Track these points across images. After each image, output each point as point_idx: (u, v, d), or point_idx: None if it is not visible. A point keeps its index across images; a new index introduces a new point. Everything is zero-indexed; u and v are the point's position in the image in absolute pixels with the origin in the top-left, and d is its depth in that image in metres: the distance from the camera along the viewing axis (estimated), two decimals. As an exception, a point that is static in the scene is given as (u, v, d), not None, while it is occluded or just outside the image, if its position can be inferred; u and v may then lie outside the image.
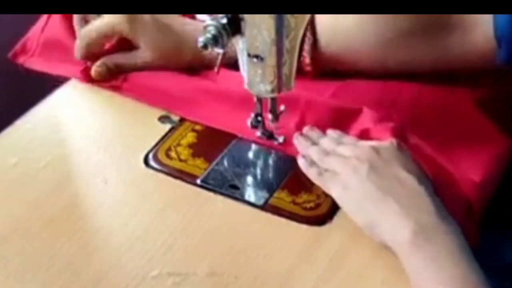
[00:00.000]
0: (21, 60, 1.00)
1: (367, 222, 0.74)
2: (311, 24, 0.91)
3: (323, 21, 0.92)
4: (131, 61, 0.95)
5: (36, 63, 0.99)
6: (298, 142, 0.85)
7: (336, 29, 0.92)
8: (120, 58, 0.95)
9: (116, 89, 0.95)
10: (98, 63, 0.94)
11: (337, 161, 0.79)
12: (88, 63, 0.96)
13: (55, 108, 0.95)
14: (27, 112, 0.93)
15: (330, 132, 0.85)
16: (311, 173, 0.81)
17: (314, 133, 0.85)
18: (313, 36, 0.92)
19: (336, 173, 0.78)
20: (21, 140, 0.89)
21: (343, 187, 0.77)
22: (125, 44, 0.96)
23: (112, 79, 0.95)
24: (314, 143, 0.84)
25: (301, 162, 0.82)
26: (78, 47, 0.96)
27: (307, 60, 0.92)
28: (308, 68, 0.93)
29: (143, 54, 0.94)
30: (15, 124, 0.91)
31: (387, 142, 0.79)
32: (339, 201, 0.77)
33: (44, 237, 0.77)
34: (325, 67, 0.94)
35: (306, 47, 0.91)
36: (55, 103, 0.95)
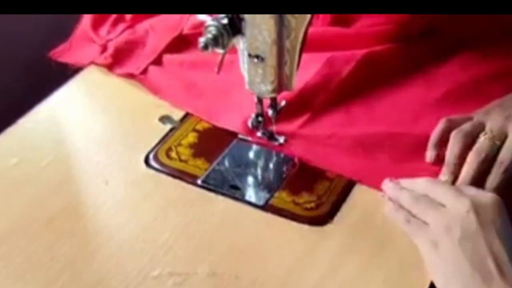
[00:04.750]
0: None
1: None
2: None
3: None
4: None
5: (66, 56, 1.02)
6: (387, 187, 0.79)
7: None
8: None
9: (130, 77, 0.97)
10: None
11: (427, 209, 0.73)
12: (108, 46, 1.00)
13: (56, 108, 0.95)
14: (29, 112, 0.93)
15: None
16: (398, 218, 0.75)
17: (406, 181, 0.79)
18: None
19: (425, 222, 0.73)
20: (22, 140, 0.90)
21: (431, 243, 0.71)
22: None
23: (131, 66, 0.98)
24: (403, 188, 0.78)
25: (388, 206, 0.77)
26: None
27: None
28: None
29: None
30: (16, 124, 0.91)
31: (489, 198, 0.72)
32: (425, 257, 0.72)
33: (45, 237, 0.77)
34: None
35: None
36: (56, 103, 0.95)
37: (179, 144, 0.88)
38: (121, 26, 1.04)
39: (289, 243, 0.76)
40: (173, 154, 0.86)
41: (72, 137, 0.91)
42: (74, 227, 0.78)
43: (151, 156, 0.86)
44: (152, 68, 0.97)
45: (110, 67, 0.99)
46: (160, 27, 1.03)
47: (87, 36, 1.03)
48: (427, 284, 0.72)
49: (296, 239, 0.77)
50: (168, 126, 0.91)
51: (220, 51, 0.78)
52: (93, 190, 0.83)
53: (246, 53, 0.80)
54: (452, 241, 0.70)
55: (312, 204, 0.80)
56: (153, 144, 0.88)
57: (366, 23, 0.96)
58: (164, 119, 0.92)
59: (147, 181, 0.84)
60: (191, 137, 0.89)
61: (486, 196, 0.73)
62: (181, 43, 1.01)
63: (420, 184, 0.77)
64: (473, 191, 0.74)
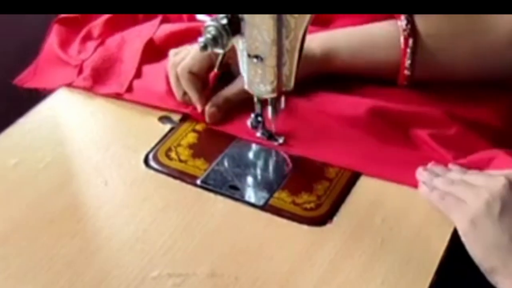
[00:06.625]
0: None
1: (489, 268, 0.72)
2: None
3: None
4: (239, 96, 0.90)
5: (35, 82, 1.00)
6: (421, 175, 0.81)
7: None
8: (228, 93, 0.91)
9: (117, 96, 0.95)
10: (209, 104, 0.89)
11: (464, 188, 0.76)
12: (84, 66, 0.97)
13: (55, 109, 0.95)
14: (28, 113, 0.93)
15: (455, 167, 0.82)
16: (432, 196, 0.78)
17: (439, 168, 0.81)
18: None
19: (460, 199, 0.75)
20: (21, 140, 0.90)
21: (470, 220, 0.73)
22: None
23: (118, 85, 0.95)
24: (438, 175, 0.80)
25: (422, 189, 0.80)
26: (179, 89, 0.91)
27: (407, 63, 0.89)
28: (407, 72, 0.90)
29: None
30: (16, 125, 0.91)
31: None
32: (463, 234, 0.73)
33: (45, 238, 0.77)
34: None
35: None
36: (55, 103, 0.95)
37: (179, 145, 0.88)
38: (91, 44, 1.01)
39: (289, 244, 0.76)
40: (173, 155, 0.86)
41: (72, 137, 0.91)
42: (74, 227, 0.78)
43: (150, 156, 0.86)
44: (136, 83, 0.95)
45: (90, 88, 0.96)
46: (132, 37, 1.01)
47: (56, 57, 1.00)
48: (427, 285, 0.72)
49: (296, 239, 0.77)
50: (167, 127, 0.91)
51: (219, 51, 0.78)
52: (92, 191, 0.83)
53: (245, 54, 0.80)
54: (492, 216, 0.72)
55: (312, 205, 0.80)
56: (153, 144, 0.88)
57: (344, 24, 0.96)
58: (163, 119, 0.92)
59: (147, 182, 0.84)
60: (191, 138, 0.89)
61: None
62: (156, 52, 0.99)
63: (453, 171, 0.80)
64: (503, 172, 0.76)
